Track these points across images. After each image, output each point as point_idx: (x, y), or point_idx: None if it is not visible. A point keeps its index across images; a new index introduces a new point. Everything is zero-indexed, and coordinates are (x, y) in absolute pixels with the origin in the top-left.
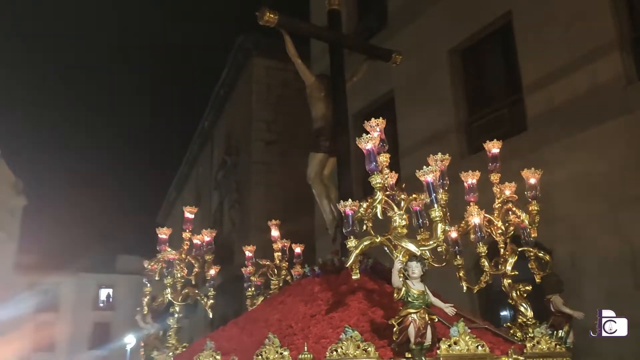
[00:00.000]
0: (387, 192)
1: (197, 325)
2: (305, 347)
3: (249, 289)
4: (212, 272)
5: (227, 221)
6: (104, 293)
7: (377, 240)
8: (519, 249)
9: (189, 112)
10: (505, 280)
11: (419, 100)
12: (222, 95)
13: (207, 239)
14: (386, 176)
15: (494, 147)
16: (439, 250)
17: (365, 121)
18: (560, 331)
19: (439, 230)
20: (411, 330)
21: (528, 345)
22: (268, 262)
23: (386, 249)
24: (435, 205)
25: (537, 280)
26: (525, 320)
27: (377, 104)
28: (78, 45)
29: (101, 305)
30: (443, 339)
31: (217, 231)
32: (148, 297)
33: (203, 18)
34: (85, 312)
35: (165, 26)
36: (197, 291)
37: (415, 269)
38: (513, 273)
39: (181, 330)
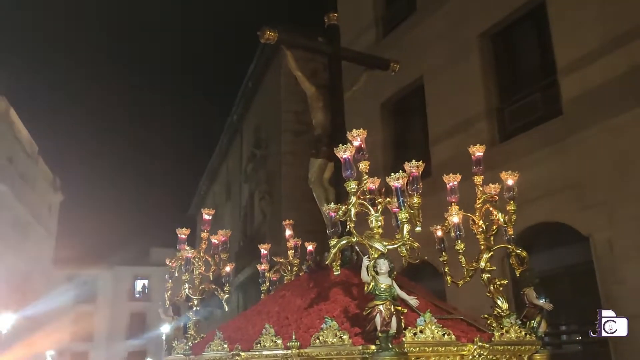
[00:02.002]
0: (367, 196)
1: (232, 316)
2: (294, 336)
3: (263, 284)
4: (228, 269)
5: (257, 213)
6: (139, 284)
7: (354, 240)
8: (496, 247)
9: (219, 105)
10: (484, 275)
11: (449, 86)
12: (250, 88)
13: (222, 238)
14: (365, 181)
15: (477, 151)
16: (403, 248)
17: (394, 110)
18: (533, 321)
19: (405, 231)
20: (377, 320)
21: (496, 334)
22: (282, 259)
23: (357, 247)
24: (402, 208)
25: (517, 274)
26: (500, 311)
27: (406, 91)
28: (111, 41)
29: (137, 296)
30: (409, 327)
31: (247, 224)
32: (170, 291)
33: (231, 10)
34: (122, 303)
35: (193, 19)
36: (213, 286)
37: (383, 265)
38: (491, 268)
39: (213, 321)
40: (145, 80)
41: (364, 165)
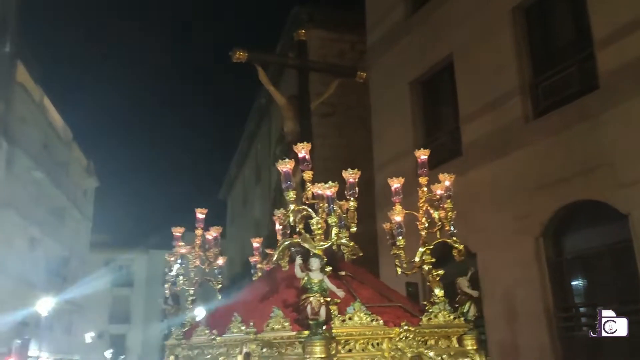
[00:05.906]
0: (310, 202)
1: None
2: (251, 324)
3: (255, 275)
4: (220, 262)
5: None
6: (174, 268)
7: (296, 241)
8: (435, 241)
9: (248, 88)
10: (425, 266)
11: (480, 62)
12: (277, 69)
13: (214, 234)
14: (308, 189)
15: (422, 154)
16: (331, 247)
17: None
18: (463, 307)
19: (333, 233)
20: (308, 310)
21: (424, 318)
22: (272, 252)
23: (293, 248)
24: (332, 213)
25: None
26: (435, 298)
27: (434, 69)
28: (142, 26)
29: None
30: (339, 315)
31: (277, 207)
32: (170, 283)
33: None
34: (157, 286)
35: (220, 5)
36: (207, 278)
37: (314, 263)
38: (431, 260)
39: None
40: (177, 63)
41: (307, 175)
